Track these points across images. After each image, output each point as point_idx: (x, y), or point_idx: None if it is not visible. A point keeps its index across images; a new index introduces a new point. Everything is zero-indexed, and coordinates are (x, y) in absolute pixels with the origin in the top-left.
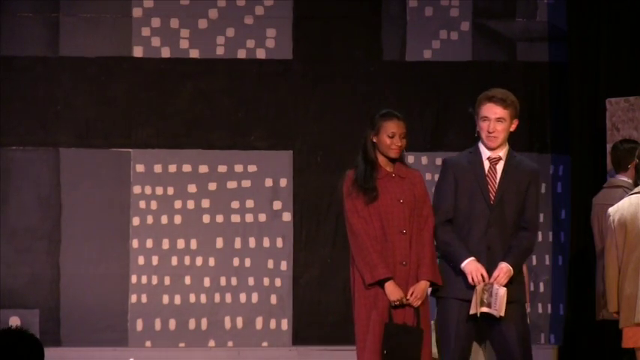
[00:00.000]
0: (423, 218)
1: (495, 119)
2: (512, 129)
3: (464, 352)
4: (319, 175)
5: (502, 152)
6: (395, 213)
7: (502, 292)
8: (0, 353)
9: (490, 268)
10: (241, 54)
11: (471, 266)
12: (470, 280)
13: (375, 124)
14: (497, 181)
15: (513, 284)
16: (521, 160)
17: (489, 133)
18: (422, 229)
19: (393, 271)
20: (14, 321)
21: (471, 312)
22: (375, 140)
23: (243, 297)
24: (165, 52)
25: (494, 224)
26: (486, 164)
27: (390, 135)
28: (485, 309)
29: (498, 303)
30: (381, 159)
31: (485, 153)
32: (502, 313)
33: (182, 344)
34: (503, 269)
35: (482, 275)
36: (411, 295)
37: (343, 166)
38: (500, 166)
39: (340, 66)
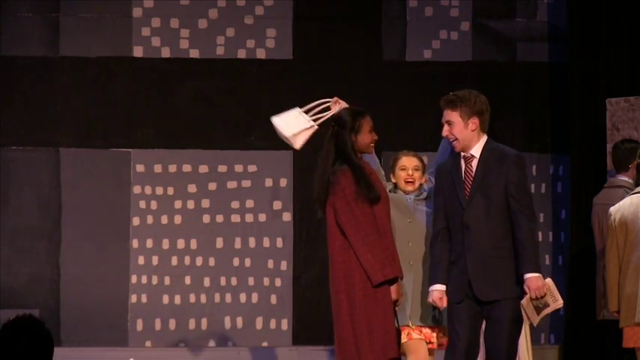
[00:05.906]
0: None
1: (446, 122)
2: (472, 128)
3: (471, 330)
4: None
5: (475, 150)
6: (384, 210)
7: (549, 281)
8: (9, 342)
9: (474, 273)
10: (241, 54)
11: (433, 295)
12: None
13: (350, 123)
14: (472, 179)
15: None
16: (498, 151)
17: (446, 138)
18: None
19: None
20: None
21: (535, 324)
22: (354, 139)
23: (243, 297)
24: (165, 52)
25: (469, 223)
26: (463, 164)
27: (370, 130)
28: (547, 310)
29: (555, 294)
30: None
31: (462, 153)
32: (561, 300)
33: (182, 344)
34: (532, 283)
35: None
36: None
37: None
38: (474, 164)
39: (340, 66)
